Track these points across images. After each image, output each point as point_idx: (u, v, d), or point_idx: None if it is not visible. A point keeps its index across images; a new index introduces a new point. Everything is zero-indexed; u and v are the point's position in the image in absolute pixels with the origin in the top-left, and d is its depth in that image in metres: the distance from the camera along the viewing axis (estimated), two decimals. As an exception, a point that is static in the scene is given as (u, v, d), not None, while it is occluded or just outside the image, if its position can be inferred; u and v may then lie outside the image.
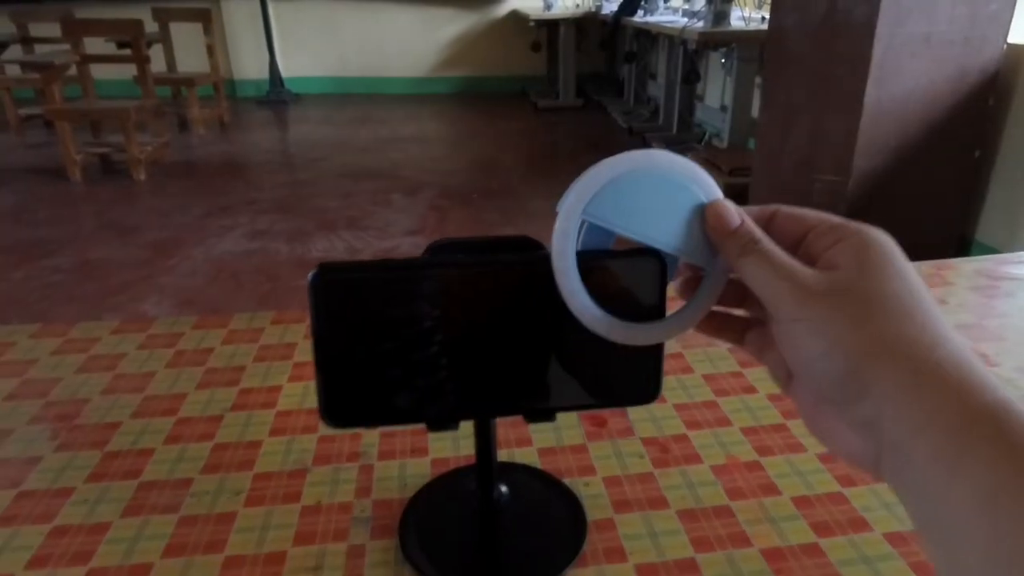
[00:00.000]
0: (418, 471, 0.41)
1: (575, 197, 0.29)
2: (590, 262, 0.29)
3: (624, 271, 0.31)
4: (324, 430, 0.45)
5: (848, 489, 0.39)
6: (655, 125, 4.70)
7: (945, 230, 2.28)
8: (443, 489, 0.39)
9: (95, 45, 4.13)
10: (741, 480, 0.40)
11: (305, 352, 0.54)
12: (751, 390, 0.48)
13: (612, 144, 4.49)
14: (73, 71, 3.96)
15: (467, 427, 0.41)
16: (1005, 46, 2.13)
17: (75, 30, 3.91)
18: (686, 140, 4.19)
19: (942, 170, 2.26)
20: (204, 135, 4.83)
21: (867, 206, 2.23)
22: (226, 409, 0.47)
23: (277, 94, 5.94)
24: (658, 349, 0.32)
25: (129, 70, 4.04)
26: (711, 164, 3.44)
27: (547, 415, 0.32)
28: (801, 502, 0.38)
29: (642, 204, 0.30)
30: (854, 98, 2.13)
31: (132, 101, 3.81)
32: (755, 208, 0.30)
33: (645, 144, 4.39)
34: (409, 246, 2.85)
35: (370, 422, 0.32)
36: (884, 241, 0.26)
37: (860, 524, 0.36)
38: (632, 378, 0.32)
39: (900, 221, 2.19)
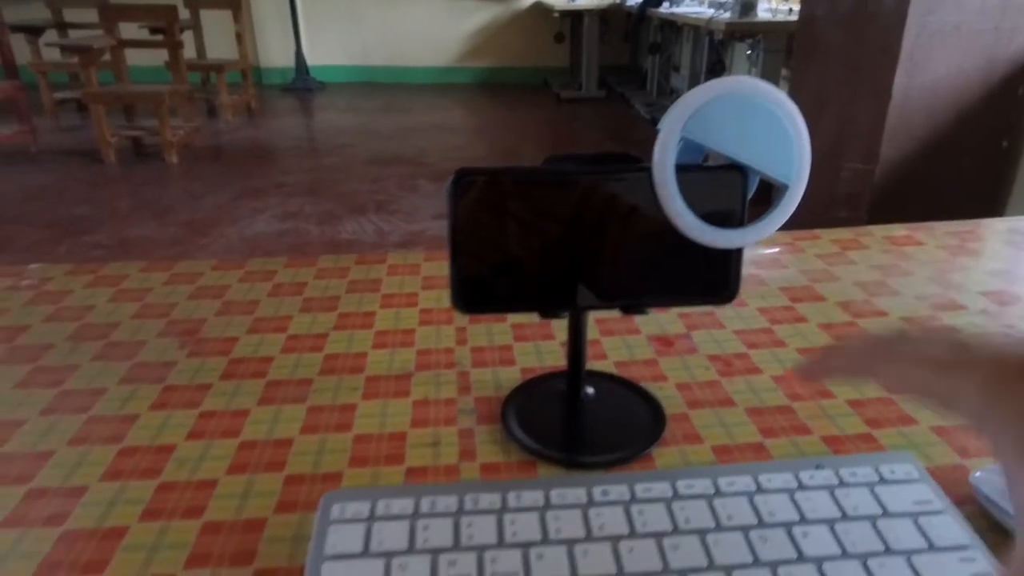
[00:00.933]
0: (510, 376, 0.46)
1: (675, 116, 0.34)
2: (685, 173, 0.34)
3: (713, 182, 0.36)
4: (419, 344, 0.50)
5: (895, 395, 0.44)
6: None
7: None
8: (536, 388, 0.45)
9: (128, 31, 4.22)
10: (799, 387, 0.45)
11: (390, 285, 0.59)
12: (802, 319, 0.53)
13: (633, 135, 4.52)
14: (107, 57, 4.05)
15: (547, 339, 0.45)
16: (1035, 36, 2.14)
17: (111, 16, 4.00)
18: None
19: (970, 160, 2.28)
20: (232, 121, 4.91)
21: (894, 194, 2.26)
22: (329, 328, 0.53)
23: (303, 82, 6.01)
24: (738, 253, 0.37)
25: (160, 56, 4.12)
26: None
27: (640, 309, 0.38)
28: (855, 404, 0.43)
29: (731, 124, 0.35)
30: (883, 87, 2.16)
31: (165, 86, 3.89)
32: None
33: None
34: (437, 229, 2.90)
35: (493, 308, 0.37)
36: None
37: (907, 420, 0.41)
38: (714, 279, 0.37)
39: (926, 210, 2.21)
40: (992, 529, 0.33)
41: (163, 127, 3.74)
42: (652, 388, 0.45)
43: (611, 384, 0.45)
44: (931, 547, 0.30)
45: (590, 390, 0.43)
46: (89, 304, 0.57)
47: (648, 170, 0.34)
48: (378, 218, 3.09)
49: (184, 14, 4.56)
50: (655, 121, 4.65)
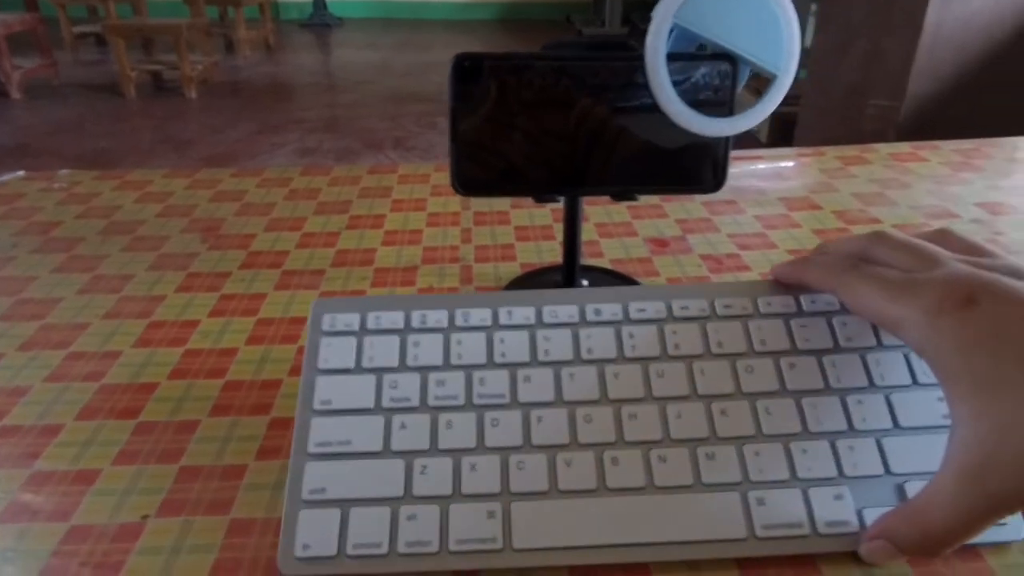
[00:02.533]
0: (510, 270, 0.49)
1: (668, 3, 0.36)
2: (676, 62, 0.36)
3: (704, 71, 0.37)
4: (426, 242, 0.53)
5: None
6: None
7: (996, 159, 2.25)
8: (533, 279, 0.47)
9: (145, -38, 4.17)
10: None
11: (401, 192, 0.62)
12: (796, 226, 0.55)
13: (657, 74, 4.42)
14: (125, -11, 4.01)
15: (547, 239, 0.47)
16: (1078, -34, 2.05)
17: (128, -55, 3.94)
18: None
19: (999, 100, 2.22)
20: (250, 56, 4.88)
21: (919, 133, 2.21)
22: (342, 228, 0.56)
23: (320, 17, 5.92)
24: (726, 143, 0.39)
25: (179, -12, 4.07)
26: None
27: (630, 195, 0.40)
28: (836, 296, 0.45)
29: (722, 13, 0.36)
30: (914, 19, 2.09)
31: (183, 20, 3.87)
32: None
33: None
34: (454, 166, 2.90)
35: (490, 191, 0.39)
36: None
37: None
38: (702, 167, 0.39)
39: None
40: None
41: (182, 61, 3.74)
42: (644, 281, 0.47)
43: (604, 276, 0.47)
44: (915, 383, 0.30)
45: (584, 282, 0.46)
46: (116, 204, 0.60)
47: (641, 56, 0.36)
48: (396, 155, 3.10)
49: (200, -55, 4.49)
50: (679, 59, 4.55)
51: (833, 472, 0.28)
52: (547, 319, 0.33)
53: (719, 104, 0.38)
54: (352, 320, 0.33)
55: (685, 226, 0.55)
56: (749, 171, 0.66)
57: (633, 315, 0.33)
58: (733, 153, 0.71)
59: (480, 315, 0.33)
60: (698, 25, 0.36)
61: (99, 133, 3.31)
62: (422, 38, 5.58)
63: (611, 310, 0.33)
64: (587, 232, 0.54)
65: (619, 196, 0.40)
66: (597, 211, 0.57)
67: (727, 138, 0.39)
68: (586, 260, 0.50)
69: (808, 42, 2.60)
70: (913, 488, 0.27)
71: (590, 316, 0.33)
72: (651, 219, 0.56)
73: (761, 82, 0.38)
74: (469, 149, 0.37)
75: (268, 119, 3.59)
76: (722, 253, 0.51)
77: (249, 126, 3.47)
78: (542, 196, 0.39)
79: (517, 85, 0.36)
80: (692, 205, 0.58)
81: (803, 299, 0.33)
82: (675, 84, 0.36)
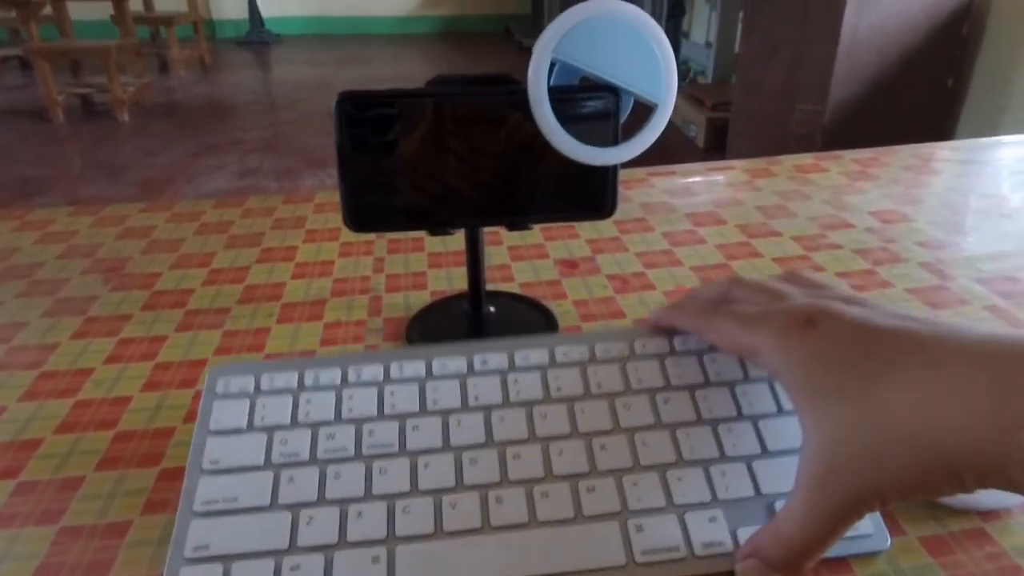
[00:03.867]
0: (420, 299, 0.49)
1: (547, 38, 0.36)
2: (560, 94, 0.37)
3: (587, 102, 0.38)
4: (337, 274, 0.53)
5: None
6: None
7: (916, 157, 2.35)
8: (441, 307, 0.47)
9: (69, -17, 4.04)
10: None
11: (315, 222, 0.61)
12: (701, 241, 0.56)
13: (597, 83, 4.49)
14: (48, 11, 3.89)
15: (459, 265, 0.48)
16: (979, -27, 2.17)
17: (49, -34, 3.82)
18: (671, 77, 4.19)
19: (916, 99, 2.33)
20: (185, 76, 4.77)
21: (844, 134, 2.30)
22: (251, 262, 0.55)
23: (258, 35, 5.84)
24: (614, 170, 0.40)
25: (106, 9, 3.97)
26: (695, 100, 3.47)
27: (524, 225, 0.40)
28: (734, 311, 0.46)
29: (602, 46, 0.37)
30: (833, 27, 2.18)
31: (112, 41, 3.76)
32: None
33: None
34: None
35: (382, 227, 0.39)
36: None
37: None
38: (593, 194, 0.40)
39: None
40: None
41: (112, 83, 3.63)
42: (551, 305, 0.48)
43: (511, 302, 0.48)
44: (780, 411, 0.32)
45: (492, 308, 0.46)
46: (15, 247, 0.58)
47: (524, 90, 0.37)
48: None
49: (128, -36, 4.37)
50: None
51: (707, 497, 0.29)
52: (436, 371, 0.34)
53: (604, 134, 0.39)
54: (246, 383, 0.34)
55: (595, 246, 0.56)
56: (662, 187, 0.67)
57: (519, 363, 0.34)
58: (648, 170, 0.73)
59: (373, 371, 0.34)
60: (578, 59, 0.37)
61: (25, 160, 3.19)
62: (362, 53, 5.55)
63: (497, 360, 0.35)
64: (499, 255, 0.55)
65: (513, 226, 0.40)
66: (512, 234, 0.58)
67: (615, 165, 0.40)
68: (497, 285, 0.51)
69: (739, 48, 2.68)
70: (780, 506, 0.28)
71: (477, 367, 0.34)
72: (563, 240, 0.57)
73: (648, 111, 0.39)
74: (359, 187, 0.37)
75: (205, 140, 3.51)
76: (629, 272, 0.52)
77: (185, 148, 3.39)
78: (435, 229, 0.39)
79: (403, 122, 0.37)
80: (604, 224, 0.60)
81: (676, 340, 0.35)
82: (560, 116, 0.37)
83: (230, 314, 0.48)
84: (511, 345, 0.35)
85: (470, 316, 0.46)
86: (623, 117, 0.39)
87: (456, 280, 0.51)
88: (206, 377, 0.34)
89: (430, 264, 0.54)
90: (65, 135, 3.58)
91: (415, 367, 0.34)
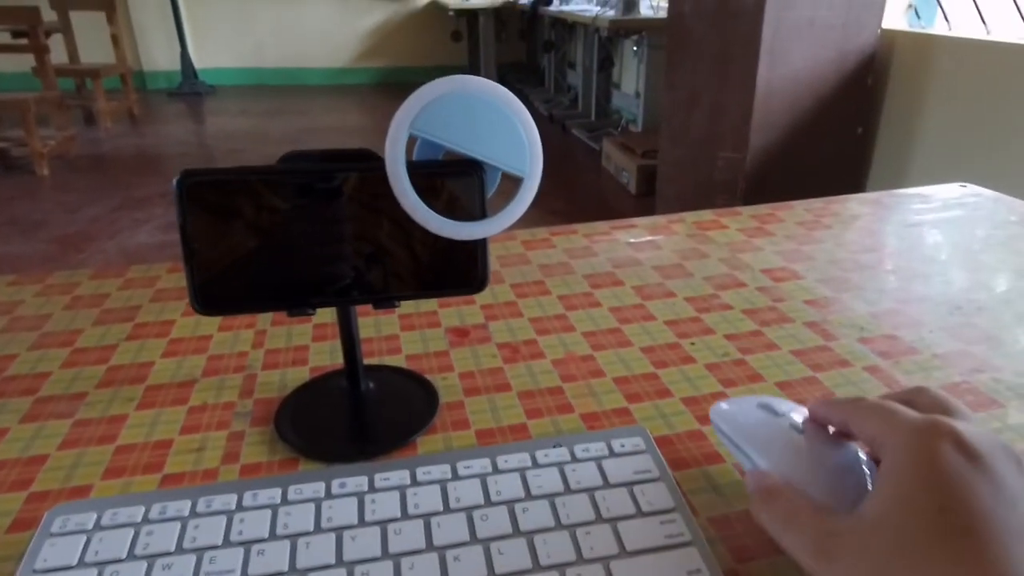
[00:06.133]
0: (298, 376, 0.46)
1: (402, 114, 0.35)
2: (421, 169, 0.35)
3: (450, 177, 0.37)
4: (213, 350, 0.50)
5: (659, 370, 0.46)
6: (575, 112, 4.82)
7: (833, 201, 2.46)
8: (316, 386, 0.45)
9: (-13, 34, 3.92)
10: (575, 369, 0.47)
11: (199, 293, 0.58)
12: (596, 304, 0.55)
13: (533, 131, 4.57)
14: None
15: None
16: (880, 31, 2.31)
17: (-35, 18, 3.71)
18: (604, 126, 4.32)
19: (829, 145, 2.44)
20: (112, 128, 4.66)
21: (764, 179, 2.39)
22: (121, 339, 0.51)
23: (190, 86, 5.77)
24: (483, 244, 0.39)
25: (27, 61, 3.86)
26: (626, 148, 3.57)
27: (390, 303, 0.39)
28: (620, 380, 0.45)
29: (462, 121, 0.36)
30: (748, 78, 2.28)
31: (32, 93, 3.65)
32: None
33: (566, 131, 4.50)
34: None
35: (234, 309, 0.37)
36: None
37: (664, 392, 0.44)
38: (462, 269, 0.39)
39: (795, 193, 2.37)
40: (709, 488, 0.36)
41: (30, 137, 3.51)
42: (436, 379, 0.46)
43: (392, 376, 0.46)
44: (639, 512, 0.32)
45: (371, 384, 0.44)
46: None
47: (382, 166, 0.35)
48: (269, 224, 3.00)
49: (50, 16, 4.29)
50: (552, 118, 4.73)
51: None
52: (292, 497, 0.33)
53: (470, 208, 0.37)
54: (86, 520, 0.32)
55: (489, 312, 0.55)
56: (563, 247, 0.67)
57: (378, 484, 0.34)
58: (551, 229, 0.72)
59: (223, 500, 0.33)
60: (438, 135, 0.36)
61: (-70, 218, 3.02)
62: (298, 104, 5.54)
63: (356, 482, 0.34)
64: (390, 325, 0.53)
65: (379, 304, 0.39)
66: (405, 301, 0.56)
67: (484, 239, 0.39)
68: (382, 358, 0.49)
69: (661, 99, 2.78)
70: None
71: (335, 490, 0.34)
72: (456, 306, 0.56)
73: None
74: (207, 268, 0.35)
75: (131, 194, 3.41)
76: (520, 340, 0.51)
77: (109, 202, 3.28)
78: (293, 310, 0.37)
79: (249, 200, 0.35)
80: (500, 288, 0.58)
81: (538, 453, 0.36)
82: (422, 191, 0.36)
83: (85, 400, 0.44)
84: (371, 468, 0.35)
85: (347, 395, 0.43)
86: (491, 191, 0.38)
87: (339, 354, 0.49)
88: (43, 519, 0.32)
89: (315, 337, 0.51)
90: (-22, 190, 3.42)
91: (270, 494, 0.33)
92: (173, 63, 5.81)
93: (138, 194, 3.41)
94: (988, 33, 2.30)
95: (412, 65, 6.36)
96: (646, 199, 3.28)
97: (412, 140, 0.36)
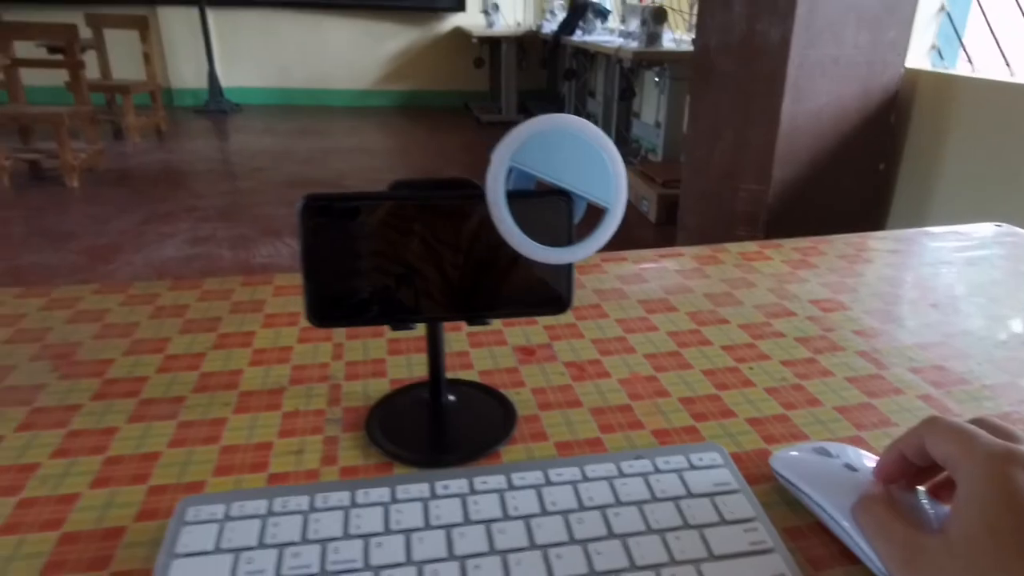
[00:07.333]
0: (379, 388, 0.49)
1: (504, 147, 0.39)
2: (516, 198, 0.39)
3: (542, 206, 0.40)
4: (296, 360, 0.53)
5: (721, 392, 0.49)
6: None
7: (853, 235, 2.48)
8: (401, 397, 0.48)
9: (24, 49, 4.04)
10: (641, 388, 0.50)
11: (274, 306, 0.62)
12: (654, 328, 0.58)
13: (552, 158, 4.63)
14: (0, 76, 3.86)
15: (419, 352, 0.49)
16: (903, 70, 2.36)
17: (5, 33, 3.82)
18: (624, 155, 4.35)
19: (851, 181, 2.47)
20: (140, 143, 4.76)
21: (786, 213, 2.42)
22: (208, 348, 0.54)
23: (217, 104, 5.88)
24: (568, 268, 0.42)
25: (61, 76, 3.96)
26: (646, 177, 3.61)
27: (483, 320, 0.42)
28: (685, 400, 0.48)
29: (556, 155, 0.40)
30: (772, 113, 2.32)
31: (65, 107, 3.75)
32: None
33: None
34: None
35: (344, 322, 0.40)
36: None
37: (729, 413, 0.47)
38: (549, 292, 0.42)
39: (817, 226, 2.38)
40: (782, 503, 0.38)
41: (63, 149, 3.59)
42: (510, 393, 0.49)
43: (471, 390, 0.49)
44: (722, 520, 0.35)
45: (451, 397, 0.47)
46: (-42, 331, 0.56)
47: (483, 195, 0.39)
48: (294, 241, 3.05)
49: (86, 33, 4.41)
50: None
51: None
52: (400, 496, 0.36)
53: (559, 234, 0.41)
54: (216, 511, 0.35)
55: (552, 333, 0.58)
56: (614, 273, 0.70)
57: (478, 487, 0.37)
58: (602, 255, 0.75)
59: (339, 496, 0.36)
60: (534, 167, 0.39)
61: (-35, 226, 3.09)
62: (322, 124, 5.64)
63: (458, 484, 0.37)
64: (459, 342, 0.56)
65: (472, 321, 0.42)
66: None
67: (570, 264, 0.42)
68: (456, 373, 0.51)
69: (685, 129, 2.83)
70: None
71: (439, 491, 0.37)
72: (521, 326, 0.59)
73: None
74: (322, 285, 0.38)
75: (157, 208, 3.48)
76: (585, 360, 0.54)
77: (136, 216, 3.35)
78: (397, 325, 0.40)
79: (366, 223, 0.38)
80: (559, 310, 0.61)
81: (623, 464, 0.39)
82: (517, 218, 0.39)
83: (184, 403, 0.47)
84: (471, 472, 0.38)
85: (430, 406, 0.46)
86: (577, 219, 0.42)
87: (415, 367, 0.52)
88: (177, 508, 0.35)
89: (389, 351, 0.54)
90: (8, 201, 3.50)
91: (379, 492, 0.36)
92: (200, 81, 5.94)
93: (164, 208, 3.47)
94: (1012, 75, 2.34)
95: (434, 89, 6.47)
96: (665, 228, 3.31)
97: (509, 171, 0.39)
